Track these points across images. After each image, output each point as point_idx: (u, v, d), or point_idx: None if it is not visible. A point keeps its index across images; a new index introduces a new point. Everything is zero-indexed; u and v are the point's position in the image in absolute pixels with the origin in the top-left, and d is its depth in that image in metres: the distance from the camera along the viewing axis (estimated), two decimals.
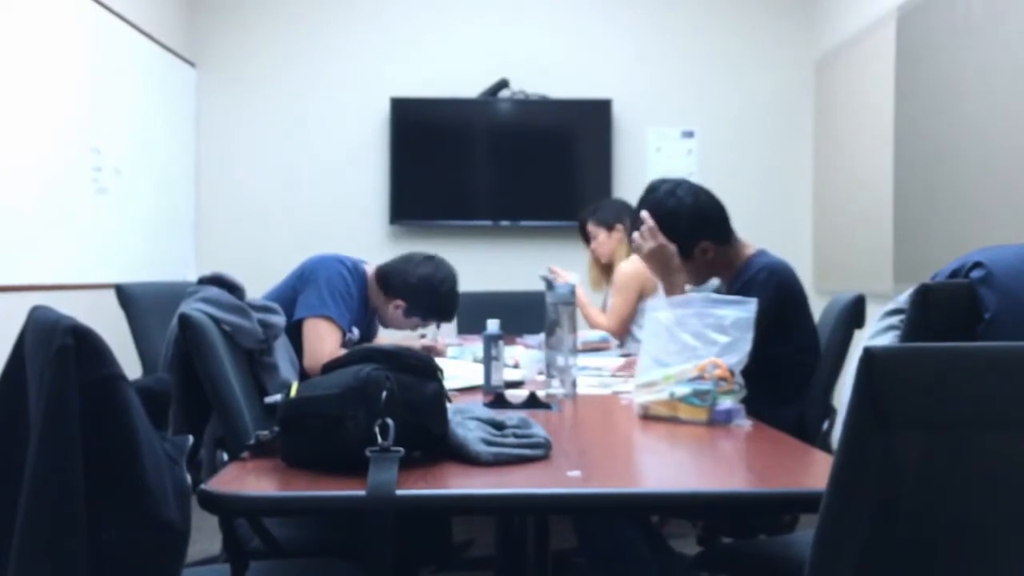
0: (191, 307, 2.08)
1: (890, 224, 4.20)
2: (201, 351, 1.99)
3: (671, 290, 2.53)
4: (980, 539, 1.02)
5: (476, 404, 1.92)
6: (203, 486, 1.34)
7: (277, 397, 1.80)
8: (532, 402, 2.15)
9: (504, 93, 5.30)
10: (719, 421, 1.91)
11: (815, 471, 1.53)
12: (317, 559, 2.01)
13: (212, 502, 1.32)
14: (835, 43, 5.01)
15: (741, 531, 2.41)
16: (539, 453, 1.54)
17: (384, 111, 5.30)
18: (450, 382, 1.96)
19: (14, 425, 1.17)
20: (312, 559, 2.01)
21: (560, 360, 2.29)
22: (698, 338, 2.04)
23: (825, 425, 2.30)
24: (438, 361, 1.70)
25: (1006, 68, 3.33)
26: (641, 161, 5.34)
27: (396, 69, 5.33)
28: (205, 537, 2.03)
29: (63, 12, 3.78)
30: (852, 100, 4.78)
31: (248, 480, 1.45)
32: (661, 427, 1.93)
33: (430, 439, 1.50)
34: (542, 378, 2.51)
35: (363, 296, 3.14)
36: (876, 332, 1.68)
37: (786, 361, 2.41)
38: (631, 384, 2.18)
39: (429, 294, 3.11)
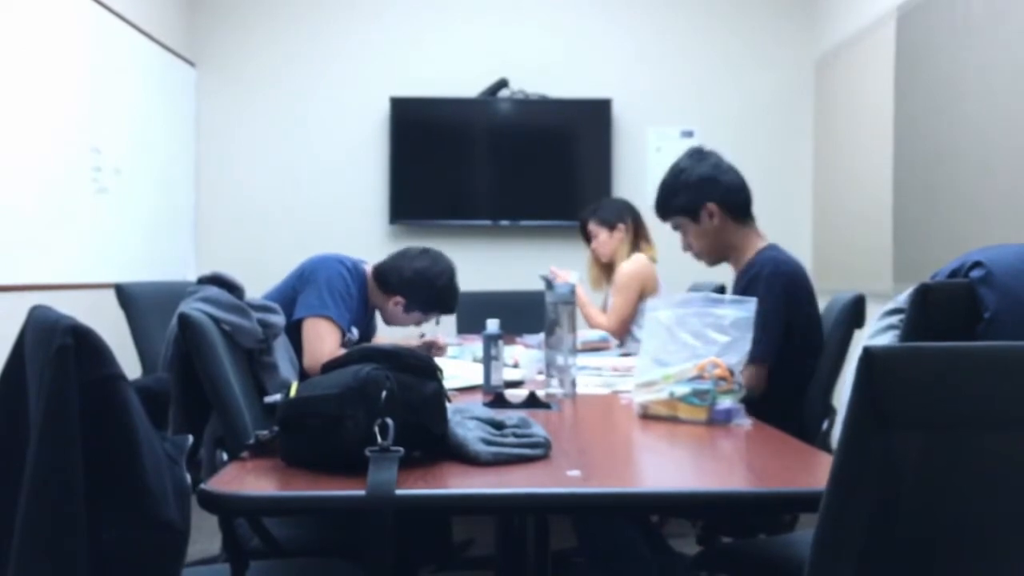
0: (191, 307, 2.08)
1: (890, 224, 4.20)
2: (201, 351, 1.99)
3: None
4: (980, 539, 1.02)
5: (476, 404, 1.92)
6: (203, 486, 1.34)
7: (277, 397, 1.80)
8: (532, 402, 2.15)
9: (504, 93, 5.30)
10: (719, 421, 1.91)
11: (815, 471, 1.53)
12: (317, 559, 2.01)
13: (212, 502, 1.32)
14: (835, 43, 5.01)
15: (741, 531, 2.42)
16: (539, 453, 1.54)
17: (384, 111, 5.30)
18: (450, 382, 1.96)
19: (14, 425, 1.17)
20: (312, 559, 2.01)
21: (560, 360, 2.29)
22: (698, 338, 2.04)
23: (825, 425, 2.30)
24: (437, 361, 1.70)
25: (1006, 68, 3.33)
26: (641, 161, 5.34)
27: (396, 69, 5.33)
28: (205, 537, 2.03)
29: (63, 12, 3.78)
30: (852, 100, 4.78)
31: (248, 480, 1.45)
32: (661, 427, 1.93)
33: (430, 439, 1.50)
34: (542, 378, 2.51)
35: (363, 296, 3.14)
36: (876, 332, 1.68)
37: (786, 360, 2.41)
38: (631, 383, 2.18)
39: (427, 288, 3.11)
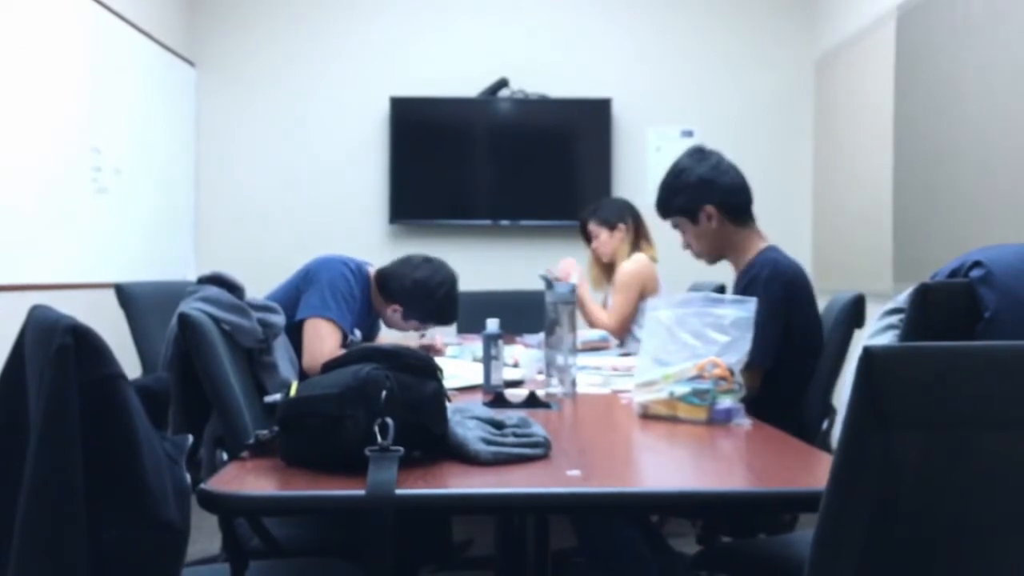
0: (191, 306, 2.08)
1: (890, 224, 4.20)
2: (201, 350, 1.99)
3: None
4: (979, 539, 1.02)
5: (476, 403, 1.92)
6: (203, 485, 1.34)
7: (276, 396, 1.80)
8: (532, 401, 2.15)
9: (504, 92, 5.30)
10: (718, 420, 1.90)
11: (815, 470, 1.53)
12: (317, 559, 2.01)
13: (212, 502, 1.32)
14: (835, 43, 5.01)
15: (741, 530, 2.41)
16: (539, 452, 1.54)
17: (384, 111, 5.30)
18: (449, 381, 1.95)
19: (14, 425, 1.17)
20: (312, 559, 2.01)
21: (560, 359, 2.29)
22: (698, 337, 2.04)
23: (825, 424, 2.30)
24: (437, 360, 1.70)
25: (1006, 68, 3.33)
26: (641, 161, 5.34)
27: (396, 69, 5.33)
28: (205, 537, 2.03)
29: (63, 12, 3.78)
30: (852, 100, 4.78)
31: (247, 480, 1.45)
32: (660, 426, 1.93)
33: (430, 438, 1.50)
34: (542, 377, 2.51)
35: (366, 298, 3.14)
36: (875, 331, 1.68)
37: (786, 360, 2.41)
38: (631, 382, 2.18)
39: (426, 298, 3.10)
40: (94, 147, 4.03)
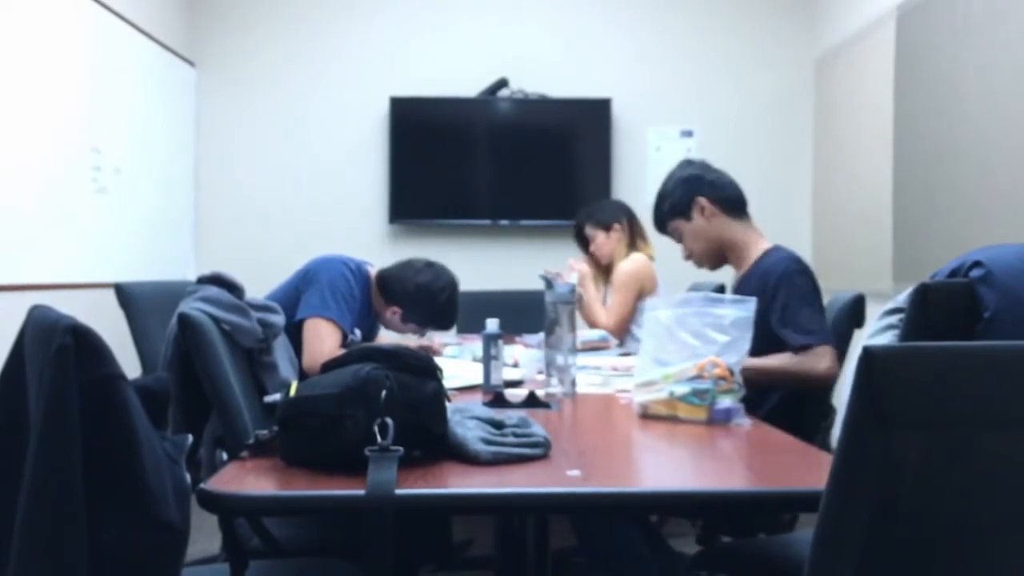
0: (190, 306, 2.08)
1: (889, 223, 4.20)
2: (200, 350, 1.99)
3: None
4: (979, 539, 1.02)
5: (475, 403, 1.92)
6: (202, 485, 1.34)
7: (276, 396, 1.80)
8: (531, 401, 2.15)
9: (503, 92, 5.30)
10: (718, 420, 1.90)
11: (814, 470, 1.53)
12: (317, 559, 2.01)
13: (211, 501, 1.32)
14: (835, 43, 5.01)
15: (740, 530, 2.41)
16: (538, 452, 1.54)
17: (383, 110, 5.30)
18: (449, 381, 1.95)
19: (14, 425, 1.17)
20: (312, 559, 2.01)
21: (559, 359, 2.29)
22: (697, 337, 2.04)
23: (824, 424, 2.30)
24: (437, 360, 1.70)
25: (1006, 68, 3.33)
26: (641, 160, 5.34)
27: (396, 69, 5.33)
28: (205, 537, 2.03)
29: (63, 12, 3.78)
30: (852, 100, 4.78)
31: (247, 479, 1.45)
32: (660, 426, 1.93)
33: (429, 438, 1.50)
34: (541, 377, 2.51)
35: (366, 298, 3.14)
36: (875, 331, 1.69)
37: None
38: (630, 382, 2.18)
39: (426, 303, 3.11)
40: (94, 147, 4.03)
